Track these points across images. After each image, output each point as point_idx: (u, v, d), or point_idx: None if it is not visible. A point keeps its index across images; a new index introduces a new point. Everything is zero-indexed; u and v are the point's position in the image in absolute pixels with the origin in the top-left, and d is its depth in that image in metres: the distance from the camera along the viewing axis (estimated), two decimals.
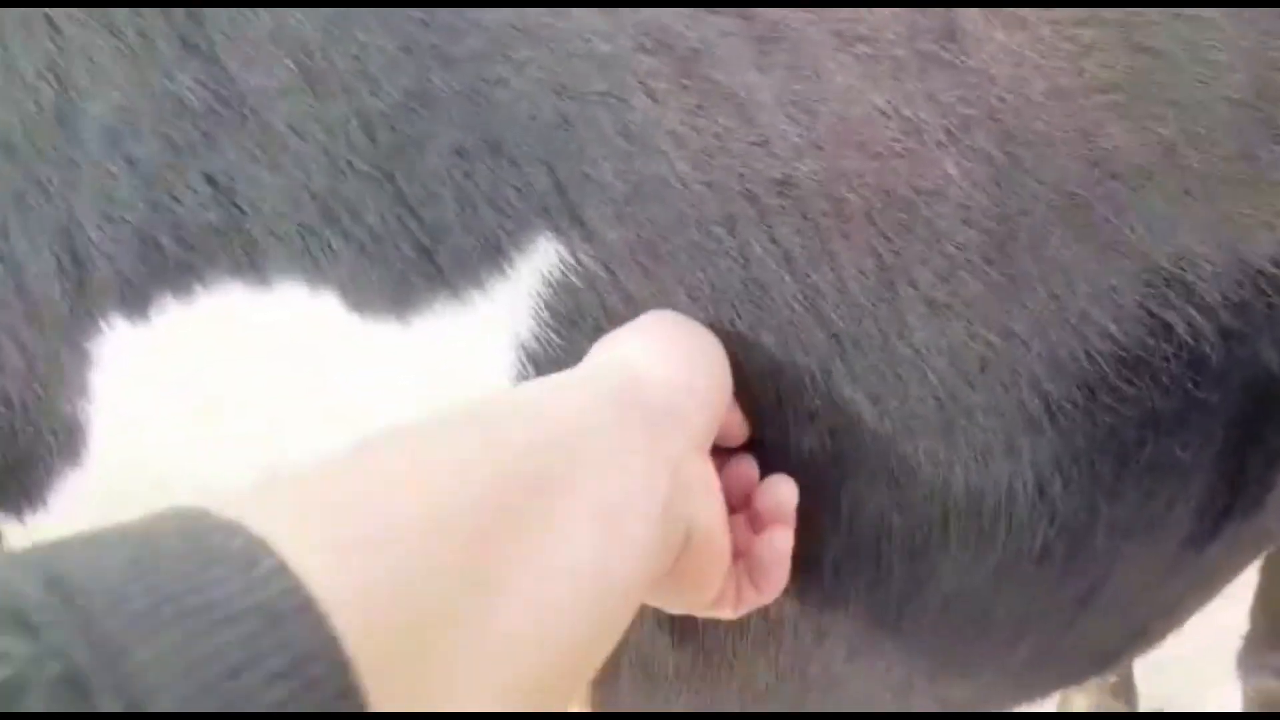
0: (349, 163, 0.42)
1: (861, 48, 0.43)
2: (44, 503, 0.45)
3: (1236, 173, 0.47)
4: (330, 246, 0.42)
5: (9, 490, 0.44)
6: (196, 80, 0.41)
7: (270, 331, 0.43)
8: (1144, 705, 1.56)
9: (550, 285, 0.45)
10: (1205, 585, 0.68)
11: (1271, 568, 1.10)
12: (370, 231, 0.43)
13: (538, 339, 0.45)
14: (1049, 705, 1.58)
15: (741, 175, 0.42)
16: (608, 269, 0.44)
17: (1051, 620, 0.59)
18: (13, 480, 0.44)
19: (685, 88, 0.42)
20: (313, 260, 0.42)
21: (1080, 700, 1.51)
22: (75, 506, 0.46)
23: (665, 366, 0.39)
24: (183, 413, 0.45)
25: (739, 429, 0.46)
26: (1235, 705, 1.31)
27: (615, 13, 0.43)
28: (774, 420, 0.46)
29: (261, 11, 0.41)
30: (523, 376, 0.45)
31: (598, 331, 0.45)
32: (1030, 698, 0.71)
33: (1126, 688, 1.50)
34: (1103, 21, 0.45)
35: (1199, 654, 1.41)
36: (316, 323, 0.44)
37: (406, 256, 0.43)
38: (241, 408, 0.44)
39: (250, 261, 0.42)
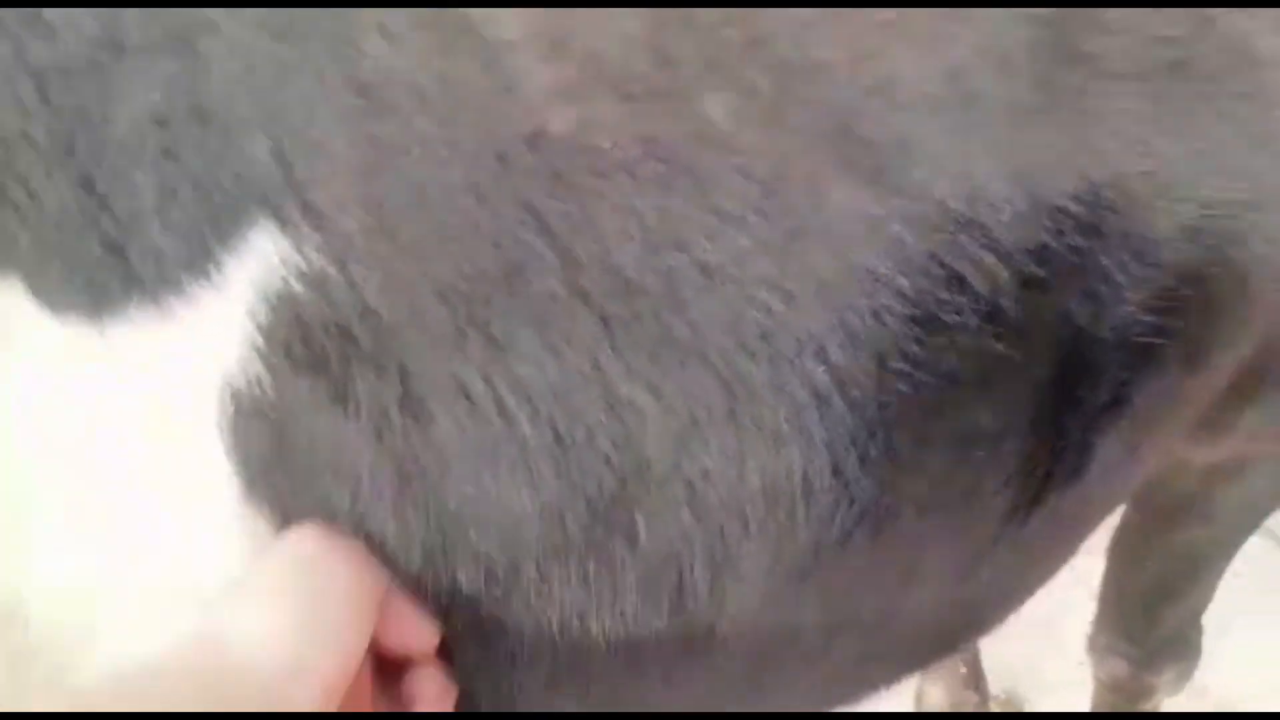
0: (21, 131, 0.34)
1: None
2: None
3: (1032, 101, 0.44)
4: (6, 229, 0.34)
5: None
6: None
7: None
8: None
9: (266, 298, 0.36)
10: (1040, 560, 0.66)
11: (1116, 553, 1.14)
12: (49, 217, 0.35)
13: (245, 374, 0.37)
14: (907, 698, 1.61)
15: (489, 132, 0.36)
16: (341, 267, 0.36)
17: (869, 608, 0.55)
18: None
19: (425, 25, 0.37)
20: None
21: (935, 694, 1.53)
22: None
23: (271, 646, 0.33)
24: None
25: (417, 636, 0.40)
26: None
27: None
28: None
29: None
30: (225, 419, 0.37)
31: (318, 368, 0.37)
32: (875, 688, 0.68)
33: (976, 677, 1.53)
34: None
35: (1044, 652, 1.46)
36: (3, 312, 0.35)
37: (92, 251, 0.35)
38: None
39: None
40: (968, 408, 0.48)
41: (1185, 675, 1.19)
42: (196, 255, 0.35)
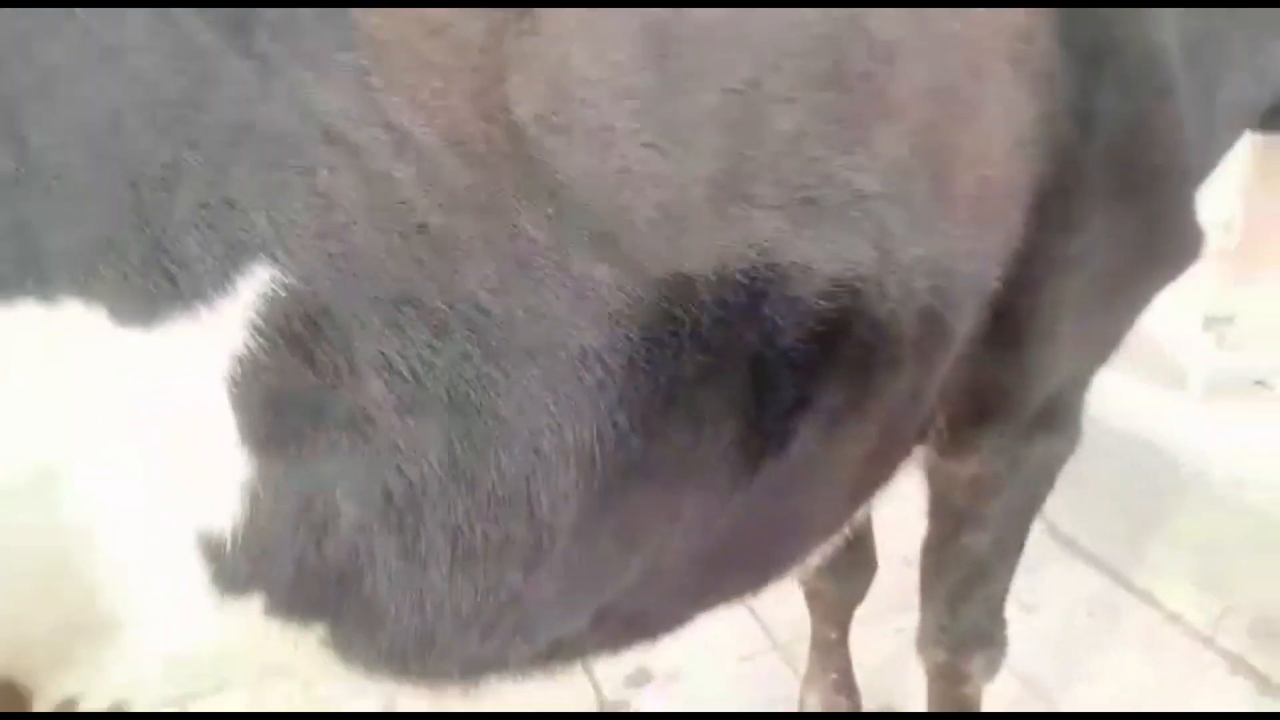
0: (133, 222, 0.60)
1: None
2: None
3: (702, 221, 0.73)
4: (100, 274, 0.60)
5: None
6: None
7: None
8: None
9: (264, 300, 0.61)
10: (775, 521, 0.93)
11: (923, 560, 1.39)
12: (132, 265, 0.60)
13: (248, 348, 0.62)
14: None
15: (390, 220, 0.64)
16: (308, 283, 0.62)
17: (654, 535, 0.82)
18: None
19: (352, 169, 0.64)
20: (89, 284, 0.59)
21: (811, 699, 1.75)
22: None
23: None
24: None
25: None
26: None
27: (304, 105, 0.63)
28: None
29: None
30: (232, 378, 0.62)
31: (294, 343, 0.63)
32: (701, 604, 0.96)
33: (849, 685, 1.76)
34: None
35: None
36: (88, 328, 0.60)
37: (157, 282, 0.60)
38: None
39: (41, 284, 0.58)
40: (693, 396, 0.75)
41: (994, 663, 1.43)
42: (220, 280, 0.61)
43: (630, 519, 0.78)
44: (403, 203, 0.65)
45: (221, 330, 0.62)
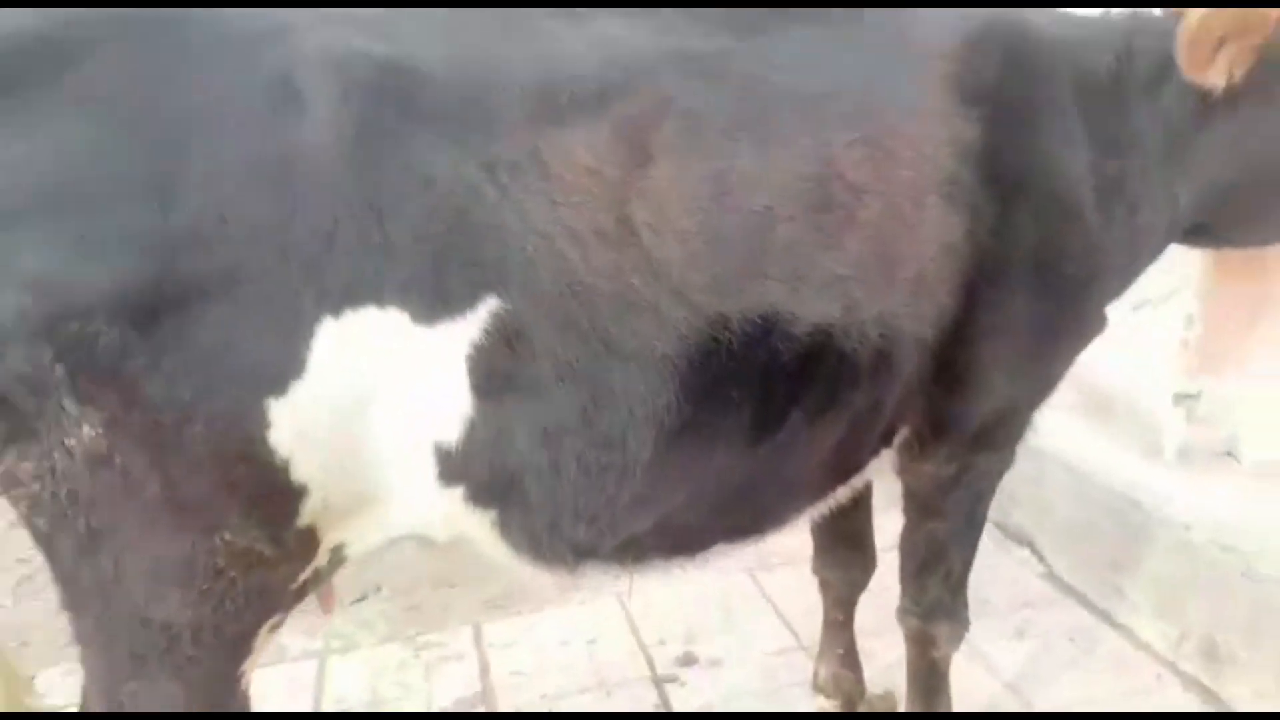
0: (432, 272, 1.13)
1: None
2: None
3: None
4: (412, 299, 1.13)
5: None
6: None
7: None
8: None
9: (497, 309, 1.13)
10: (775, 479, 1.41)
11: (900, 545, 1.84)
12: (428, 296, 1.12)
13: (478, 345, 1.15)
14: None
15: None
16: (514, 309, 1.14)
17: (695, 476, 1.31)
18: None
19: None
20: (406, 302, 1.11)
21: (824, 669, 2.18)
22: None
23: None
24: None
25: None
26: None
27: (521, 214, 1.16)
28: None
29: None
30: (471, 363, 1.15)
31: (505, 342, 1.15)
32: (745, 534, 1.45)
33: (852, 660, 2.19)
34: None
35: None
36: (398, 324, 1.12)
37: (437, 305, 1.12)
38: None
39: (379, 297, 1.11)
40: (725, 388, 1.25)
41: (957, 633, 1.86)
42: (469, 304, 1.12)
43: (681, 462, 1.28)
44: (569, 267, 1.17)
45: (467, 330, 1.15)
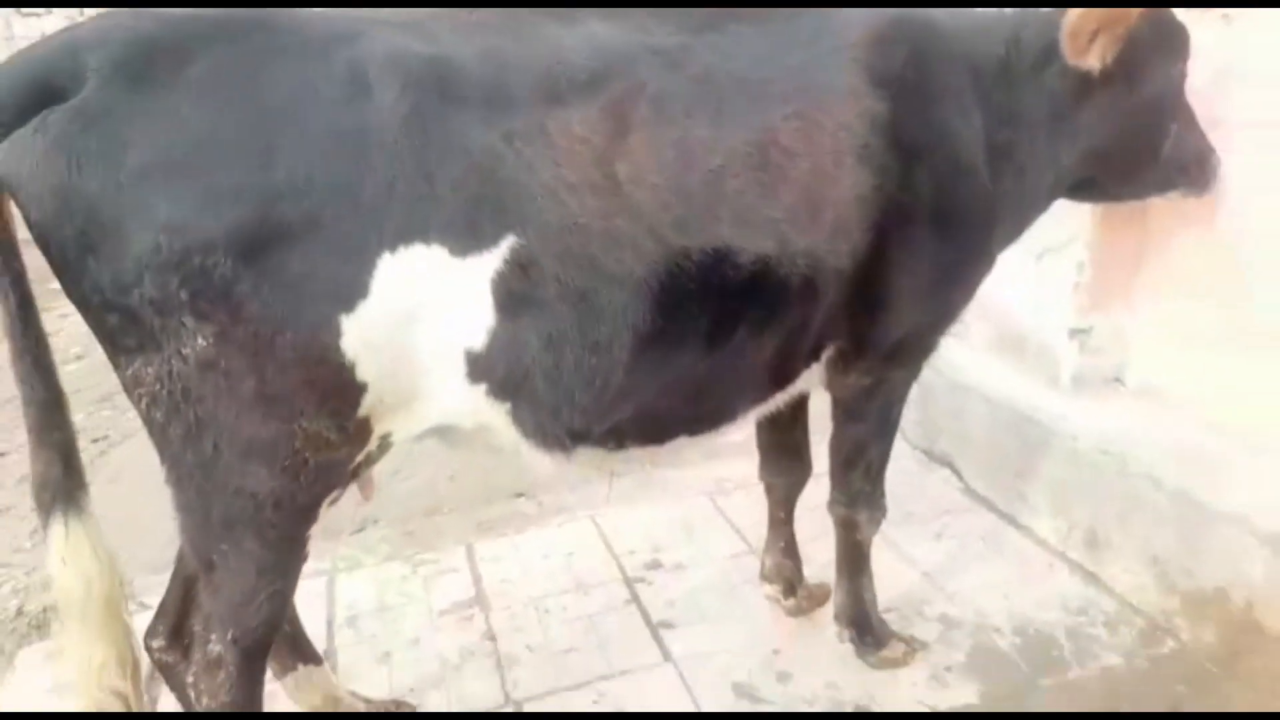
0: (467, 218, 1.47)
1: None
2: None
3: None
4: (451, 238, 1.46)
5: None
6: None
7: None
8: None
9: (514, 244, 1.48)
10: (724, 380, 1.78)
11: (830, 445, 2.23)
12: (462, 236, 1.46)
13: (500, 272, 1.50)
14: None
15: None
16: (528, 244, 1.49)
17: (663, 375, 1.68)
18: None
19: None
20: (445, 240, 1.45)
21: (769, 559, 2.59)
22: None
23: None
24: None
25: None
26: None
27: (532, 171, 1.50)
28: None
29: None
30: (494, 286, 1.49)
31: (520, 269, 1.49)
32: (703, 423, 1.82)
33: (792, 551, 2.59)
34: None
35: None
36: (441, 257, 1.46)
37: (470, 242, 1.46)
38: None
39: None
40: (687, 304, 1.62)
41: (876, 519, 2.27)
42: (494, 241, 1.47)
43: (653, 363, 1.64)
44: (567, 209, 1.51)
45: (492, 261, 1.49)
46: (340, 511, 3.36)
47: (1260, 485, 2.34)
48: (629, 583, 2.82)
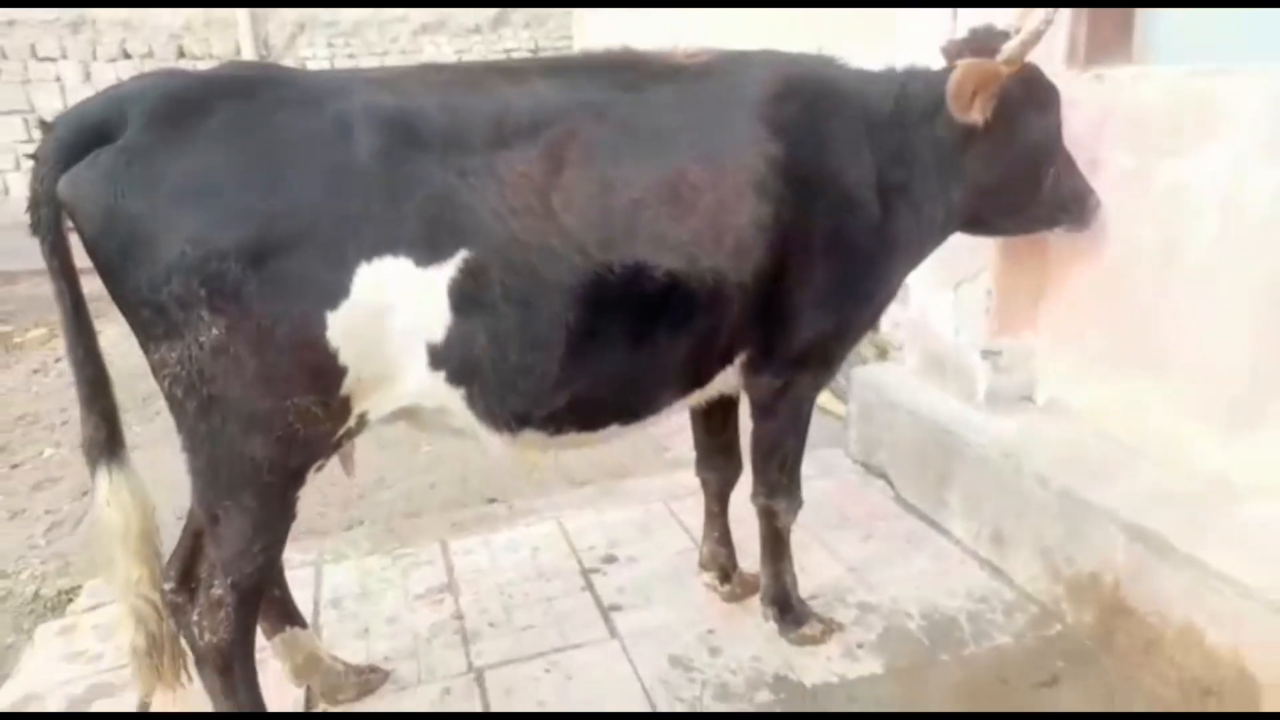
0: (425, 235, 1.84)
1: None
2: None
3: None
4: (413, 252, 1.82)
5: None
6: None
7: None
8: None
9: (466, 257, 1.83)
10: (652, 380, 2.14)
11: (751, 442, 2.58)
12: (423, 249, 1.81)
13: (454, 279, 1.85)
14: None
15: None
16: (478, 256, 1.84)
17: (595, 368, 2.03)
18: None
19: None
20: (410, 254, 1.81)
21: (705, 547, 2.91)
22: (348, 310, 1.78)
23: None
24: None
25: None
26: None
27: (481, 197, 1.86)
28: None
29: None
30: (450, 291, 1.85)
31: (471, 276, 1.84)
32: (635, 412, 2.17)
33: (726, 540, 2.92)
34: None
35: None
36: (404, 267, 1.80)
37: (429, 255, 1.82)
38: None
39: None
40: (611, 308, 1.99)
41: (793, 508, 2.60)
42: (450, 253, 1.83)
43: (584, 358, 1.99)
44: (510, 229, 1.87)
45: (448, 270, 1.85)
46: (329, 515, 3.71)
47: (1127, 482, 2.68)
48: (585, 573, 3.14)
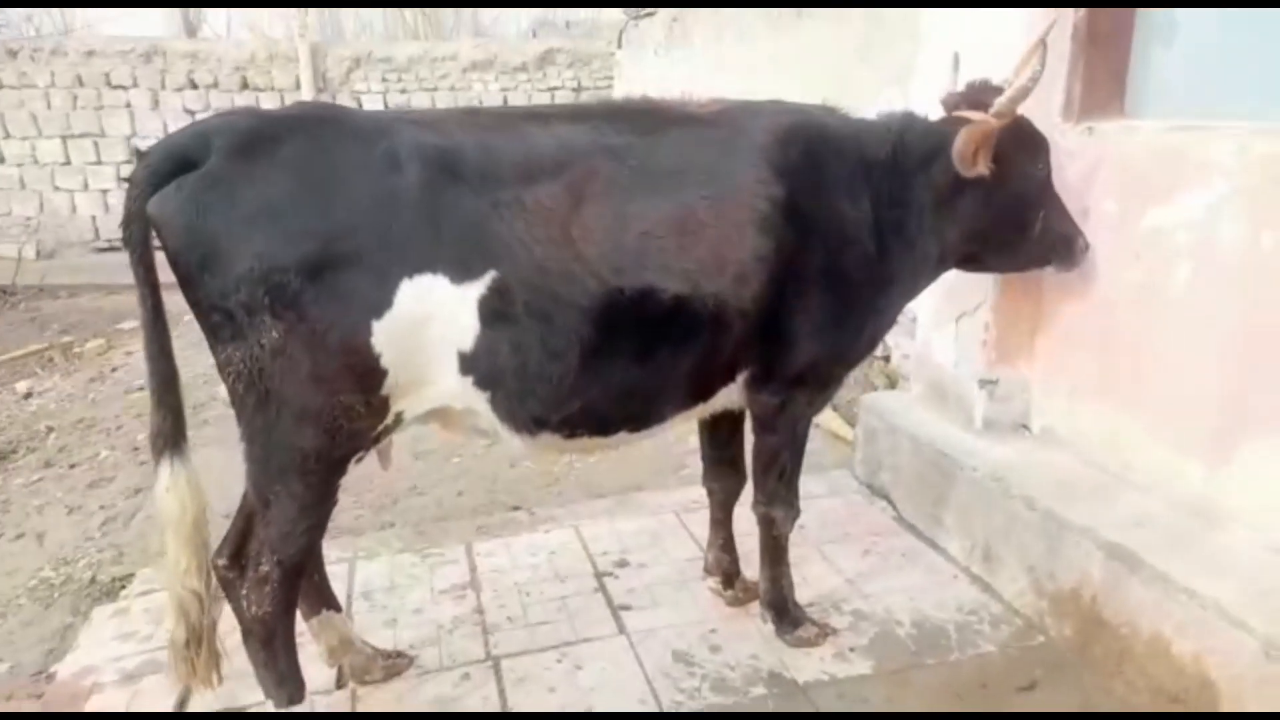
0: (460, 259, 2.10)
1: None
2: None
3: None
4: (451, 272, 2.09)
5: None
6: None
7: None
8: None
9: (495, 277, 2.09)
10: (658, 392, 2.38)
11: (752, 454, 2.80)
12: (458, 270, 2.08)
13: (483, 296, 2.10)
14: None
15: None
16: (504, 276, 2.10)
17: (607, 381, 2.27)
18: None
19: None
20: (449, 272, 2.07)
21: (710, 554, 3.13)
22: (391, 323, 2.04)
23: None
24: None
25: None
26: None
27: (510, 226, 2.12)
28: None
29: None
30: (480, 306, 2.10)
31: (498, 294, 2.11)
32: (644, 419, 2.42)
33: (730, 547, 3.13)
34: None
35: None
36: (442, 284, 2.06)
37: (462, 274, 2.07)
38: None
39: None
40: (622, 327, 2.24)
41: (790, 516, 2.81)
42: (480, 273, 2.09)
43: (596, 369, 2.22)
44: (534, 255, 2.12)
45: (478, 287, 2.10)
46: (364, 517, 3.98)
47: (1108, 505, 2.86)
48: (598, 575, 3.36)
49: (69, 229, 11.31)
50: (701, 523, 3.66)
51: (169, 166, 1.99)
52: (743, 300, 2.36)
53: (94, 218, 11.42)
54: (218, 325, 2.02)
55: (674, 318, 2.27)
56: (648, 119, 2.38)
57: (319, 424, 2.09)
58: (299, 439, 2.10)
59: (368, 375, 2.08)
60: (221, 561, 2.31)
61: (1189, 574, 2.49)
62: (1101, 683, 2.69)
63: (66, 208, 11.36)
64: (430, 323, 2.10)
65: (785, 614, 2.91)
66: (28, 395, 6.54)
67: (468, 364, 2.16)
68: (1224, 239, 2.65)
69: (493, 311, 2.12)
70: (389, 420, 2.20)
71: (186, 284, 2.01)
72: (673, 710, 2.63)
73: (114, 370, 7.12)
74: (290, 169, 2.00)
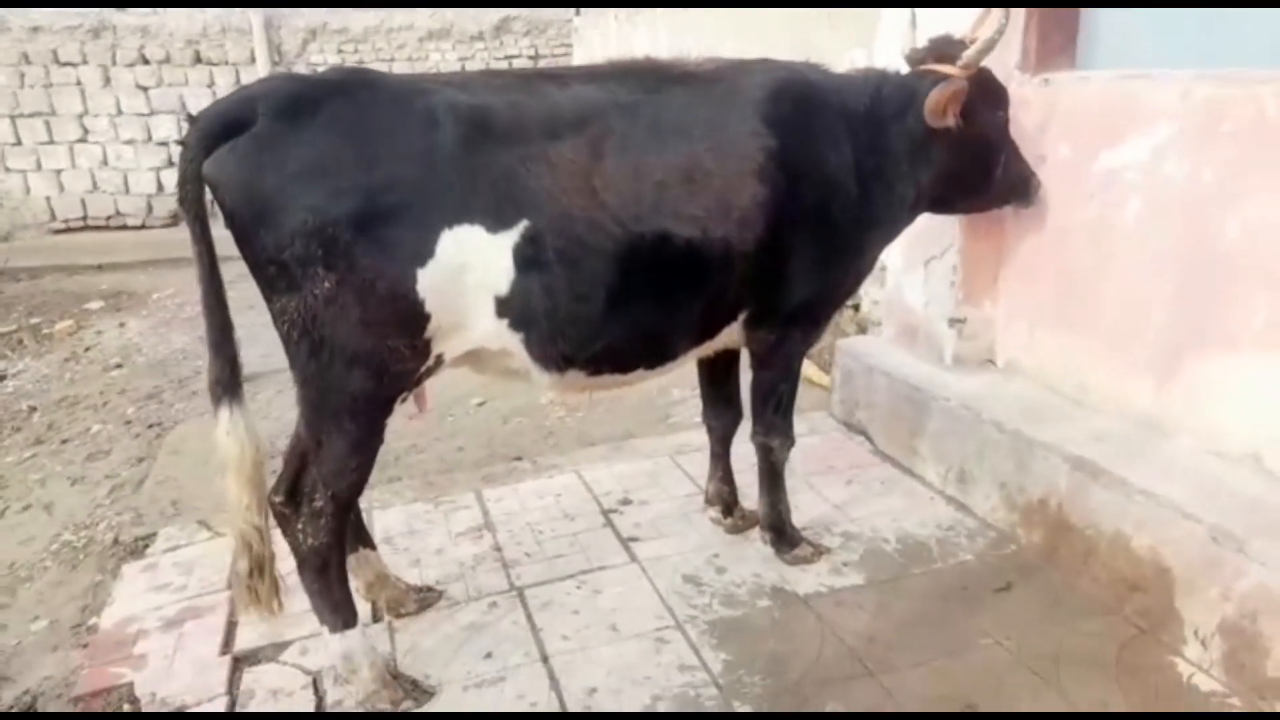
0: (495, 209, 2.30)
1: None
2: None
3: None
4: (487, 221, 2.28)
5: None
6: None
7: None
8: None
9: (527, 226, 2.29)
10: (673, 330, 2.61)
11: (750, 387, 3.05)
12: (492, 219, 2.27)
13: (517, 244, 2.31)
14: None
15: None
16: (535, 224, 2.30)
17: (632, 318, 2.50)
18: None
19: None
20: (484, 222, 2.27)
21: (710, 486, 3.38)
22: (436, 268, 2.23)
23: None
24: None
25: None
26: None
27: (538, 179, 2.32)
28: None
29: None
30: (513, 253, 2.31)
31: (531, 241, 2.31)
32: (662, 355, 2.66)
33: (729, 480, 3.39)
34: None
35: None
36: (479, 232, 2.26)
37: (497, 224, 2.27)
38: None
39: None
40: (642, 270, 2.46)
41: (786, 445, 3.08)
42: (513, 222, 2.29)
43: (619, 310, 2.43)
44: (561, 204, 2.32)
45: (512, 236, 2.30)
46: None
47: (1070, 425, 3.17)
48: (605, 513, 3.60)
49: (23, 211, 11.12)
50: (694, 464, 3.94)
51: (220, 129, 2.14)
52: (745, 243, 2.59)
53: (49, 198, 11.21)
54: (273, 277, 2.19)
55: (686, 261, 2.50)
56: (653, 77, 2.58)
57: (368, 367, 2.27)
58: (349, 382, 2.28)
59: (413, 320, 2.27)
60: (278, 499, 2.49)
61: (1145, 478, 2.79)
62: (1069, 580, 3.00)
63: (20, 189, 11.17)
64: (469, 270, 2.29)
65: (783, 535, 3.18)
66: (1, 378, 6.54)
67: (503, 307, 2.36)
68: (1169, 176, 2.94)
69: (525, 258, 2.32)
70: (431, 362, 2.40)
71: (243, 240, 2.18)
72: (687, 620, 2.88)
73: (87, 350, 7.13)
74: (335, 129, 2.17)
